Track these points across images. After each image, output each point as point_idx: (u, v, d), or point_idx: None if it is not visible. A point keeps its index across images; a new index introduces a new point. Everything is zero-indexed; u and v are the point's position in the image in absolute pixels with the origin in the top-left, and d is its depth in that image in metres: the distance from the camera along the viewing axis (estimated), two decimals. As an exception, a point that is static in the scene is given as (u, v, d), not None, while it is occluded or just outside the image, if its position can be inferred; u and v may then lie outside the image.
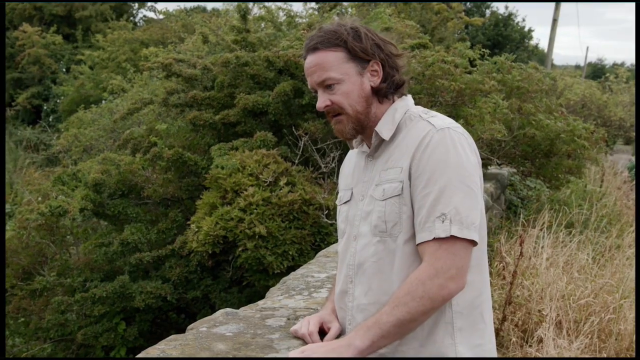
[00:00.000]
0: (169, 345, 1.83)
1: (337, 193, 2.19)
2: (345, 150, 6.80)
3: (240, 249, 5.70)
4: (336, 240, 6.21)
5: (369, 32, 1.90)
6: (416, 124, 1.91)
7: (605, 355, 4.56)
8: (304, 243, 5.82)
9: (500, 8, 55.90)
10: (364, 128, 1.94)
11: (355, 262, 1.93)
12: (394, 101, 1.96)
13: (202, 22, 9.95)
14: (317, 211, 5.88)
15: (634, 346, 4.61)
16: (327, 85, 1.88)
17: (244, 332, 1.94)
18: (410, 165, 1.83)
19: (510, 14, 36.19)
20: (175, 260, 6.81)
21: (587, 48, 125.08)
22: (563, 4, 19.46)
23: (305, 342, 1.87)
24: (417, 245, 1.80)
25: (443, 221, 1.74)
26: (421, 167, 1.81)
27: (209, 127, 7.26)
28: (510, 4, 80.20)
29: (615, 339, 4.67)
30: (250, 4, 8.26)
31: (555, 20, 18.83)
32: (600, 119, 18.22)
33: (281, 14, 9.06)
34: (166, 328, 7.94)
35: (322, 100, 1.90)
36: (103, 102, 14.82)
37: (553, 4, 19.32)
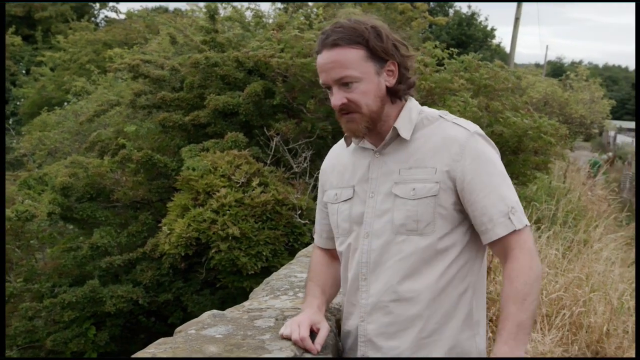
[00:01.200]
0: (159, 348, 1.82)
1: (325, 192, 2.12)
2: (318, 150, 6.83)
3: (213, 250, 5.67)
4: (311, 241, 6.21)
5: (388, 32, 1.89)
6: (441, 125, 1.92)
7: (576, 348, 4.65)
8: (277, 243, 5.81)
9: (463, 7, 56.64)
10: (375, 127, 1.91)
11: (370, 259, 1.92)
12: (406, 101, 1.96)
13: (169, 23, 9.85)
14: (290, 211, 5.88)
15: (605, 338, 4.71)
16: (345, 83, 1.85)
17: (233, 333, 1.93)
18: (451, 168, 1.85)
19: (473, 13, 36.69)
20: (146, 263, 6.74)
21: (547, 47, 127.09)
22: (524, 3, 19.79)
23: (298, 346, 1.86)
24: (492, 242, 1.85)
25: (514, 214, 1.84)
26: (472, 170, 1.84)
27: (179, 129, 7.20)
28: (472, 4, 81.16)
29: (586, 332, 4.77)
30: (219, 4, 8.20)
31: (517, 19, 19.15)
32: (562, 116, 18.56)
33: (249, 14, 9.03)
34: (136, 332, 7.86)
35: (339, 98, 1.86)
36: (66, 104, 14.56)
37: (514, 4, 19.67)
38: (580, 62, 58.76)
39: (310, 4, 12.01)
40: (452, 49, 8.22)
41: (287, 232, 5.89)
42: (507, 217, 1.83)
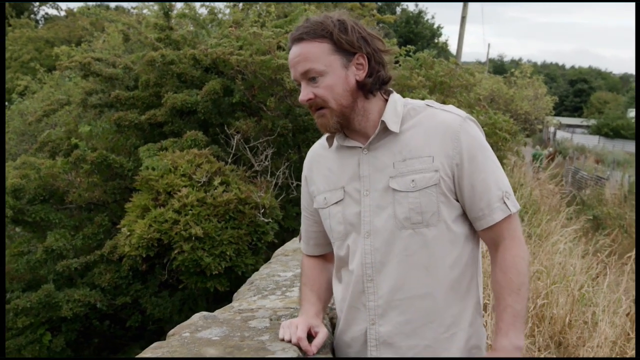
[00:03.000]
0: (155, 353, 1.76)
1: (315, 198, 2.03)
2: (279, 148, 6.80)
3: (176, 251, 5.57)
4: (275, 239, 6.17)
5: (355, 25, 1.84)
6: (430, 113, 1.89)
7: (541, 339, 4.75)
8: (241, 243, 5.75)
9: (410, 6, 57.28)
10: (349, 122, 1.86)
11: (376, 259, 1.86)
12: (386, 97, 1.91)
13: (117, 20, 9.62)
14: (253, 210, 5.82)
15: (567, 329, 4.83)
16: (311, 78, 1.80)
17: (230, 335, 1.89)
18: (448, 154, 1.82)
19: (420, 12, 37.19)
20: (104, 265, 6.58)
21: (489, 45, 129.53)
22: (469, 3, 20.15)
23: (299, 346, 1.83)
24: (490, 227, 1.84)
25: (509, 198, 1.85)
26: (469, 155, 1.82)
27: (135, 128, 7.05)
28: (420, 3, 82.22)
29: (549, 323, 4.87)
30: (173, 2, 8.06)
31: (463, 18, 19.46)
32: (508, 112, 18.98)
33: (204, 11, 8.91)
34: (90, 336, 7.67)
35: (305, 94, 1.82)
36: (7, 104, 14.07)
37: (460, 3, 20.00)
38: (520, 60, 60.23)
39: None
40: (409, 46, 8.30)
41: (251, 231, 5.83)
42: (502, 201, 1.84)
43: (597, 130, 48.23)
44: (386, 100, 1.91)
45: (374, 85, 1.86)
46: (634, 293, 5.36)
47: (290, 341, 1.83)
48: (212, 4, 9.25)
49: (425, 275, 1.84)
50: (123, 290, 6.97)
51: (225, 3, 9.57)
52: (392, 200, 1.85)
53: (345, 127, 1.88)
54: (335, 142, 1.96)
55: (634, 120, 47.96)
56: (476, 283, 1.92)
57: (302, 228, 2.17)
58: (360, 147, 1.90)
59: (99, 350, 7.82)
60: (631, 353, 4.72)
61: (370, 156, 1.89)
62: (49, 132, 8.16)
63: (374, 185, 1.88)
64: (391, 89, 1.94)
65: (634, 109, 55.05)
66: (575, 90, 70.03)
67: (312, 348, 1.83)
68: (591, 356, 4.53)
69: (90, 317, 7.17)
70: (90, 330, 7.48)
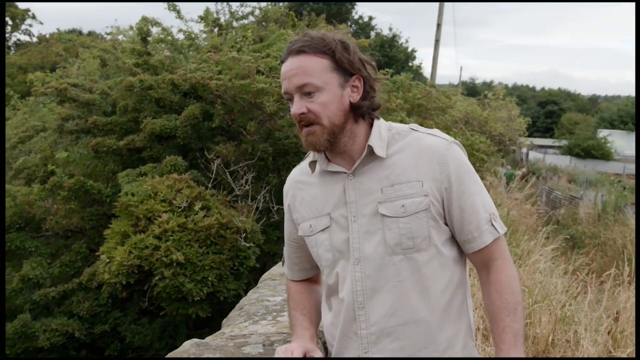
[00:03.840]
0: (150, 382, 1.73)
1: (299, 226, 1.99)
2: (259, 172, 6.78)
3: (157, 277, 5.49)
4: (260, 265, 6.13)
5: (356, 49, 1.84)
6: (415, 137, 1.88)
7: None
8: (223, 268, 5.70)
9: (384, 30, 57.81)
10: (336, 143, 1.83)
11: (367, 286, 1.83)
12: (371, 122, 1.89)
13: (97, 46, 9.58)
14: (235, 235, 5.78)
15: (550, 348, 4.85)
16: (307, 92, 1.78)
17: (225, 362, 1.86)
18: (437, 178, 1.82)
19: (394, 35, 37.60)
20: (82, 294, 6.48)
21: (461, 68, 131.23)
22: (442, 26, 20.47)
23: None
24: (480, 250, 1.84)
25: (496, 220, 1.86)
26: (457, 179, 1.83)
27: (113, 154, 6.99)
28: (393, 26, 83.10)
29: (532, 342, 4.89)
30: (150, 26, 8.05)
31: (437, 41, 19.74)
32: (483, 134, 19.20)
33: (181, 36, 8.91)
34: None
35: (298, 107, 1.79)
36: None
37: (434, 27, 20.33)
38: (492, 82, 61.12)
39: (235, 24, 11.88)
40: (387, 70, 8.38)
41: (232, 255, 5.78)
42: (490, 223, 1.85)
43: (568, 151, 48.94)
44: (371, 125, 1.89)
45: (367, 109, 1.86)
46: (614, 311, 5.41)
47: None
48: (190, 27, 9.21)
49: (418, 300, 1.81)
50: (102, 319, 6.85)
51: (201, 28, 9.55)
52: (381, 225, 1.83)
53: (332, 148, 1.85)
54: (317, 167, 1.93)
55: (603, 141, 48.78)
56: (466, 305, 1.91)
57: (285, 254, 2.14)
58: (345, 173, 1.88)
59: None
60: (614, 371, 4.75)
61: (356, 181, 1.87)
62: (25, 159, 8.06)
63: (361, 211, 1.85)
64: (376, 114, 1.93)
65: (603, 130, 56.12)
66: (546, 112, 71.10)
67: None
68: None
69: (67, 346, 7.02)
70: (70, 361, 7.34)
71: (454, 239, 1.89)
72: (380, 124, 1.90)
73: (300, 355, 1.82)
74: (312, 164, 1.94)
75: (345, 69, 1.80)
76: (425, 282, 1.82)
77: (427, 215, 1.82)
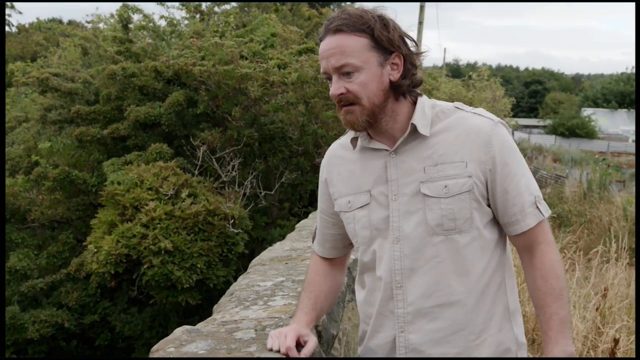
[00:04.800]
0: (142, 370, 1.72)
1: (335, 201, 1.96)
2: (245, 158, 6.75)
3: (145, 266, 5.48)
4: (249, 251, 6.11)
5: (395, 24, 1.78)
6: (460, 116, 1.83)
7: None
8: (211, 255, 5.68)
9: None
10: (377, 122, 1.79)
11: (405, 265, 1.81)
12: (414, 99, 1.84)
13: (78, 34, 9.47)
14: (223, 221, 5.76)
15: (539, 326, 4.90)
16: (345, 73, 1.73)
17: (216, 348, 1.85)
18: (482, 160, 1.78)
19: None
20: (71, 284, 6.44)
21: (445, 50, 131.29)
22: (425, 5, 20.44)
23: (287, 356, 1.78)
24: (523, 232, 1.80)
25: (540, 202, 1.82)
26: (502, 160, 1.79)
27: (97, 143, 6.93)
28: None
29: (523, 321, 4.94)
30: (130, 13, 7.96)
31: (420, 23, 19.69)
32: (468, 115, 19.22)
33: (163, 22, 8.81)
34: (58, 358, 7.48)
35: (337, 87, 1.75)
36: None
37: (417, 8, 20.26)
38: (475, 64, 61.23)
39: (217, 10, 11.79)
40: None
41: (221, 242, 5.77)
42: (534, 206, 1.81)
43: (553, 130, 49.19)
44: (414, 103, 1.85)
45: (408, 87, 1.81)
46: (602, 287, 5.45)
47: (279, 351, 1.79)
48: (172, 13, 9.12)
49: (456, 283, 1.79)
50: (91, 309, 6.83)
51: (183, 14, 9.46)
52: (422, 205, 1.80)
53: (372, 127, 1.82)
54: (358, 143, 1.89)
55: (587, 119, 49.08)
56: (504, 288, 1.87)
57: (318, 230, 2.10)
58: (387, 150, 1.84)
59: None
60: (603, 347, 4.79)
61: (398, 159, 1.84)
62: (8, 150, 7.97)
63: (402, 190, 1.82)
64: (420, 91, 1.88)
65: (587, 108, 56.48)
66: (530, 92, 71.47)
67: (302, 357, 1.79)
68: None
69: (57, 337, 7.00)
70: (58, 352, 7.31)
71: (495, 221, 1.85)
72: (424, 102, 1.85)
73: (292, 340, 1.80)
74: (354, 140, 1.90)
75: (384, 47, 1.75)
76: (464, 264, 1.80)
77: (470, 197, 1.78)
